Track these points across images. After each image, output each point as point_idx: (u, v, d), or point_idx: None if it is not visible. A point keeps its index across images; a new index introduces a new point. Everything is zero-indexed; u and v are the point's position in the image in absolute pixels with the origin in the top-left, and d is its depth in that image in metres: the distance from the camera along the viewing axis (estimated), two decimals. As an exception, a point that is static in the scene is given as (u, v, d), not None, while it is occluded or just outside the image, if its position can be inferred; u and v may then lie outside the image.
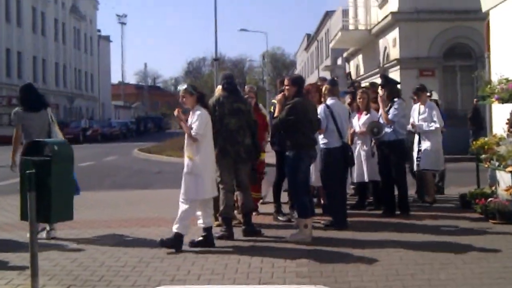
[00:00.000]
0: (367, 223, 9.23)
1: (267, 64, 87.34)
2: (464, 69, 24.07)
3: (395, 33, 24.59)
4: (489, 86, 10.25)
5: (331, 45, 36.27)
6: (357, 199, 10.98)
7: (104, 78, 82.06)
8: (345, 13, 33.61)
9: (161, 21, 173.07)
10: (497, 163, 9.32)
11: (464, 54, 24.38)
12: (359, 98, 10.64)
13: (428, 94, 11.74)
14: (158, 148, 29.67)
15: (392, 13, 24.20)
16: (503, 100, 9.70)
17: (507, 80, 9.85)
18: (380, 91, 10.40)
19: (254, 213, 9.30)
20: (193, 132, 7.63)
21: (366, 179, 10.43)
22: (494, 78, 10.46)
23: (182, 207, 7.64)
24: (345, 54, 37.42)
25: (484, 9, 12.50)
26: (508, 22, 11.32)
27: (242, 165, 8.52)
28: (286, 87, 8.43)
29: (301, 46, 74.72)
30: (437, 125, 10.83)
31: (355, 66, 34.52)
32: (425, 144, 10.83)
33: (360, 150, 10.46)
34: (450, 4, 23.02)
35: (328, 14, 44.49)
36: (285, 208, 9.88)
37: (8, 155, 8.94)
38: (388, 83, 10.48)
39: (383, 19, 25.60)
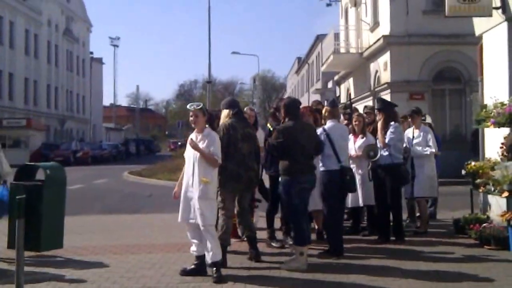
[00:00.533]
0: (362, 249, 9.01)
1: (257, 87, 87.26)
2: (453, 92, 24.15)
3: (386, 57, 24.54)
4: (484, 110, 10.12)
5: (322, 68, 36.23)
6: (351, 224, 10.74)
7: (95, 100, 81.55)
8: (336, 36, 33.58)
9: (153, 44, 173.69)
10: (492, 188, 9.13)
11: (453, 78, 24.38)
12: (355, 121, 10.50)
13: (422, 117, 11.51)
14: (148, 171, 29.37)
15: (384, 36, 24.15)
16: (499, 124, 9.56)
17: (503, 104, 9.72)
18: (378, 114, 10.14)
19: (236, 240, 9.26)
20: (215, 157, 7.34)
21: (361, 203, 10.22)
22: (489, 102, 10.36)
23: (210, 235, 7.35)
24: (336, 77, 37.33)
25: (477, 33, 12.45)
26: (501, 46, 11.24)
27: (248, 191, 8.40)
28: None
29: (292, 69, 74.80)
30: (433, 150, 10.59)
31: (346, 89, 34.46)
32: (419, 170, 10.53)
33: (355, 174, 10.05)
34: (440, 28, 22.93)
35: (319, 38, 44.59)
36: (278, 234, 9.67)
37: None
38: (386, 106, 10.21)
39: (374, 43, 25.58)
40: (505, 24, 11.10)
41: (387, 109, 10.06)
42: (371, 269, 7.63)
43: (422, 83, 23.91)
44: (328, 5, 32.83)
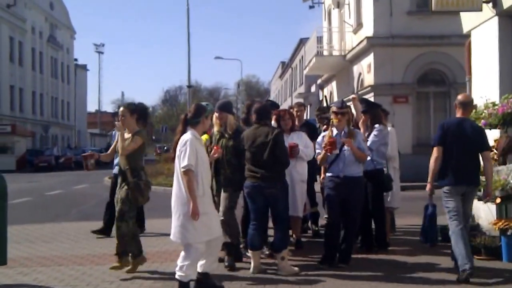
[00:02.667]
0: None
1: (242, 92, 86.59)
2: (438, 95, 23.36)
3: (370, 59, 23.75)
4: (474, 111, 9.30)
5: (305, 72, 35.43)
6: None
7: (80, 106, 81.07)
8: (319, 39, 32.82)
9: (137, 50, 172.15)
10: (483, 195, 8.16)
11: (437, 81, 23.62)
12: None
13: None
14: (129, 176, 28.05)
15: (367, 38, 23.37)
16: (491, 126, 8.77)
17: (494, 104, 8.95)
18: (363, 116, 9.10)
19: None
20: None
21: None
22: (479, 102, 9.56)
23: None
24: (319, 81, 36.61)
25: (465, 30, 11.70)
26: (491, 43, 10.49)
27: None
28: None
29: (275, 74, 74.10)
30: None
31: (329, 92, 33.64)
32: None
33: None
34: (425, 29, 22.32)
35: (302, 42, 43.78)
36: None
37: None
38: (370, 107, 9.28)
39: (358, 44, 24.77)
40: (496, 19, 10.37)
41: (371, 111, 9.14)
42: (357, 280, 7.03)
43: (406, 86, 23.17)
44: (311, 7, 32.13)
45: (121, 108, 7.70)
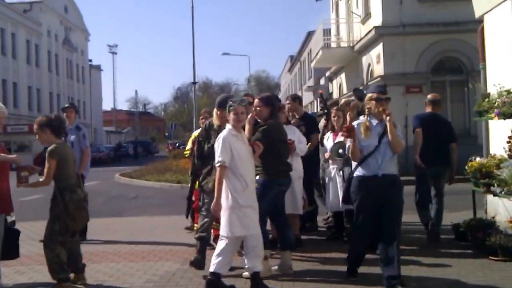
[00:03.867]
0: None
1: (252, 87, 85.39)
2: (455, 84, 21.73)
3: (378, 49, 22.30)
4: (487, 99, 8.12)
5: (312, 65, 34.03)
6: (334, 230, 9.04)
7: (95, 105, 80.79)
8: (327, 32, 31.50)
9: (150, 50, 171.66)
10: (498, 189, 7.13)
11: (454, 69, 22.00)
12: (334, 117, 8.65)
13: None
14: (139, 173, 27.63)
15: (375, 27, 21.91)
16: (505, 116, 7.49)
17: (509, 92, 7.66)
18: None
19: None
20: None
21: (341, 207, 8.18)
22: (492, 90, 8.33)
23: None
24: (327, 73, 35.24)
25: (477, 15, 10.43)
26: (506, 27, 9.20)
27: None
28: (258, 108, 6.90)
29: (284, 68, 72.80)
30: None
31: (338, 85, 32.33)
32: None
33: (336, 176, 8.48)
34: (437, 16, 20.87)
35: (310, 35, 42.47)
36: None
37: None
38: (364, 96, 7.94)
39: (366, 35, 23.33)
40: (509, 2, 9.11)
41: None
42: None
43: (419, 75, 21.57)
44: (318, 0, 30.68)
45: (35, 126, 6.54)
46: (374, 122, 6.02)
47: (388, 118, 5.97)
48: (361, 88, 11.82)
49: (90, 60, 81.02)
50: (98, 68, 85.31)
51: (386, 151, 5.93)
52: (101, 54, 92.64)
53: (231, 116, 6.10)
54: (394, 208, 6.01)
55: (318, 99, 27.38)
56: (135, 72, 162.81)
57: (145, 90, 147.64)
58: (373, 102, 6.14)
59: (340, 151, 7.87)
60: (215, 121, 7.08)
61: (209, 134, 7.10)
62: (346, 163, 7.78)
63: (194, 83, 33.12)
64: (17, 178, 6.36)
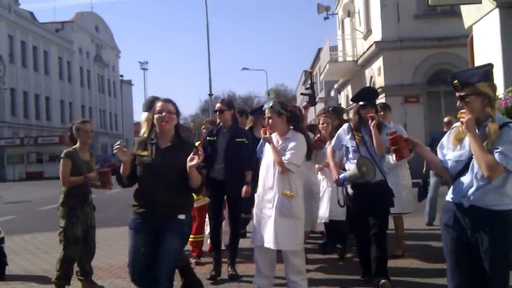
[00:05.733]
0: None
1: (272, 100, 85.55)
2: (448, 94, 21.65)
3: (379, 62, 22.35)
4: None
5: (321, 78, 34.17)
6: (325, 239, 8.09)
7: (127, 117, 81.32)
8: (334, 48, 31.55)
9: (178, 65, 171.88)
10: None
11: (447, 80, 21.85)
12: (322, 123, 7.52)
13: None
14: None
15: (376, 42, 21.98)
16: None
17: (497, 98, 7.50)
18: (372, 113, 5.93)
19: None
20: (285, 159, 5.28)
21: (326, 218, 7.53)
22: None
23: (296, 259, 5.39)
24: (335, 86, 35.31)
25: (466, 25, 10.31)
26: (494, 36, 9.09)
27: None
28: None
29: (300, 82, 72.83)
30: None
31: (345, 96, 32.30)
32: (394, 181, 6.99)
33: (326, 186, 7.57)
34: (432, 31, 20.91)
35: (320, 50, 42.56)
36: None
37: None
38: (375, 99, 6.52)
39: (367, 49, 23.40)
40: (497, 11, 8.99)
41: (381, 104, 7.40)
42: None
43: (416, 86, 21.71)
44: (326, 18, 30.61)
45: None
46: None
47: (372, 123, 5.72)
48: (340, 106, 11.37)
49: (121, 76, 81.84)
50: (129, 83, 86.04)
51: (478, 171, 3.49)
52: (132, 70, 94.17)
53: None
54: (494, 261, 3.51)
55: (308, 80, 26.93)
56: (165, 86, 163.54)
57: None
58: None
59: (364, 168, 5.77)
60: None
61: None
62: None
63: (210, 95, 33.40)
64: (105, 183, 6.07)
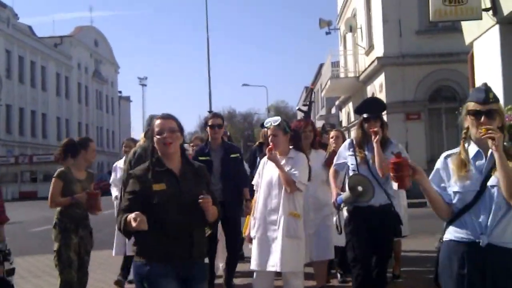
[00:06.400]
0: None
1: (272, 117, 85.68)
2: (449, 111, 21.79)
3: (381, 78, 22.51)
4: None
5: (322, 94, 34.31)
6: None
7: (125, 135, 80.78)
8: (336, 64, 31.71)
9: (177, 81, 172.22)
10: None
11: (448, 97, 22.11)
12: (332, 137, 7.38)
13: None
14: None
15: (377, 58, 22.18)
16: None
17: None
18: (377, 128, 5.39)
19: None
20: (295, 178, 5.23)
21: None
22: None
23: (296, 281, 5.32)
24: (337, 102, 35.43)
25: (467, 41, 10.44)
26: (494, 52, 9.19)
27: None
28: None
29: (301, 98, 72.96)
30: None
31: (347, 113, 32.37)
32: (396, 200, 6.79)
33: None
34: (434, 47, 21.06)
35: (322, 66, 42.72)
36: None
37: None
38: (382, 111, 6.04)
39: (369, 65, 23.55)
40: (497, 27, 9.10)
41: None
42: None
43: (418, 103, 21.84)
44: (327, 33, 30.74)
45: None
46: (472, 151, 3.27)
47: (376, 138, 5.19)
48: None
49: (120, 92, 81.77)
50: (127, 99, 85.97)
51: (496, 201, 3.10)
52: (131, 86, 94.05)
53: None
54: None
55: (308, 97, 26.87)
56: (163, 103, 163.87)
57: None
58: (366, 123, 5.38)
59: (360, 188, 5.26)
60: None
61: None
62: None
63: (210, 112, 33.49)
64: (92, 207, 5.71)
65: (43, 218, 19.09)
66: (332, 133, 7.53)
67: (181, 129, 3.74)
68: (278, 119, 5.48)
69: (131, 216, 3.31)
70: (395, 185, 3.25)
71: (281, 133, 5.38)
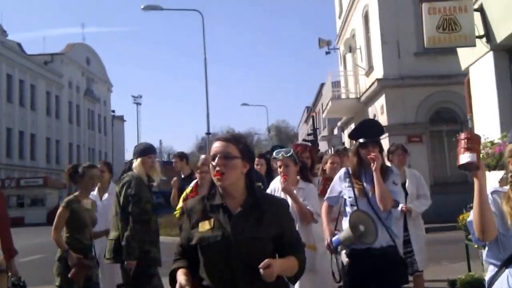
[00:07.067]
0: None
1: (273, 137, 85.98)
2: (451, 133, 22.08)
3: (382, 100, 22.94)
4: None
5: (323, 115, 34.72)
6: None
7: (118, 156, 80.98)
8: (337, 84, 32.15)
9: (173, 100, 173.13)
10: None
11: (449, 119, 22.53)
12: (331, 163, 7.18)
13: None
14: (154, 225, 26.83)
15: (377, 80, 22.63)
16: (489, 167, 7.65)
17: (492, 144, 7.91)
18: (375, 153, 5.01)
19: None
20: (311, 208, 5.30)
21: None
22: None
23: None
24: (339, 123, 35.81)
25: (463, 67, 10.83)
26: (489, 79, 9.56)
27: None
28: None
29: (302, 119, 73.45)
30: (430, 201, 7.34)
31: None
32: (415, 233, 7.09)
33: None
34: (433, 69, 21.46)
35: (323, 86, 43.21)
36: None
37: None
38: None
39: (370, 87, 24.03)
40: (491, 54, 9.48)
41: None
42: None
43: (419, 125, 22.23)
44: (327, 53, 31.27)
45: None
46: None
47: (375, 165, 4.76)
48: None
49: (113, 111, 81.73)
50: (121, 118, 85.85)
51: None
52: (124, 105, 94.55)
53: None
54: None
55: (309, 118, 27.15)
56: (159, 122, 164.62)
57: (170, 140, 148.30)
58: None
59: (362, 228, 4.76)
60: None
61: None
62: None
63: (208, 133, 33.78)
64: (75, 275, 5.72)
65: (33, 246, 19.21)
66: (331, 159, 7.23)
67: (244, 154, 3.11)
68: (290, 150, 5.65)
69: (179, 282, 2.91)
70: (465, 158, 3.06)
71: (293, 164, 5.57)
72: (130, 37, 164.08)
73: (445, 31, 9.80)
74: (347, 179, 5.03)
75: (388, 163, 6.86)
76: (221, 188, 3.05)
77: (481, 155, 4.10)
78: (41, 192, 43.88)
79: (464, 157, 3.02)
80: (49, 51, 62.74)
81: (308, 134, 10.30)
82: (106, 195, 7.75)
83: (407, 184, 7.29)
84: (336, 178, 5.27)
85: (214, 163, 3.02)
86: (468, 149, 3.06)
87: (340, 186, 5.11)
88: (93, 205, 6.25)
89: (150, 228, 6.13)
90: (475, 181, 3.11)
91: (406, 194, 7.03)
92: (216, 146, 3.09)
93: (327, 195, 5.30)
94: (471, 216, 3.20)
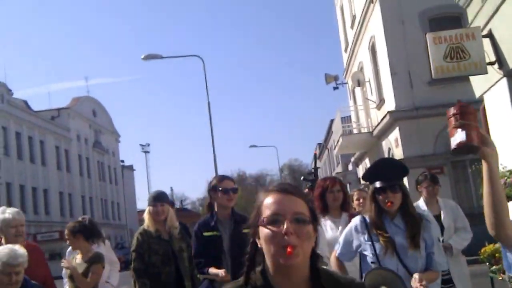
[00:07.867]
0: None
1: (286, 177, 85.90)
2: (476, 162, 21.82)
3: (396, 133, 22.70)
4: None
5: (335, 152, 34.57)
6: None
7: (130, 205, 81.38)
8: (347, 119, 32.11)
9: (182, 146, 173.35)
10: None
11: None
12: (357, 199, 7.04)
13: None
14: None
15: (389, 112, 22.41)
16: (508, 198, 7.60)
17: (511, 173, 7.87)
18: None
19: None
20: (323, 255, 4.50)
21: None
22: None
23: None
24: (352, 159, 35.68)
25: (477, 95, 10.84)
26: (504, 105, 9.55)
27: None
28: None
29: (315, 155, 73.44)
30: (471, 234, 6.82)
31: (364, 169, 32.56)
32: (458, 272, 6.54)
33: None
34: (448, 97, 21.06)
35: (333, 122, 43.27)
36: None
37: None
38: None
39: (382, 120, 23.84)
40: (505, 80, 9.48)
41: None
42: None
43: (439, 156, 21.68)
44: (335, 88, 31.27)
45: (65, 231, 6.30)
46: None
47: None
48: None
49: (122, 161, 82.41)
50: (130, 168, 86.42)
51: None
52: (133, 154, 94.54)
53: None
54: None
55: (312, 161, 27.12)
56: (169, 169, 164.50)
57: (181, 186, 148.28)
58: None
59: None
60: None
61: None
62: None
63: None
64: None
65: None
66: (357, 194, 7.03)
67: (314, 215, 2.17)
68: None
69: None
70: (459, 137, 2.68)
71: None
72: (133, 86, 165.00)
73: (453, 60, 9.85)
74: (365, 231, 4.24)
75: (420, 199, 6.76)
76: (283, 268, 2.04)
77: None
78: (58, 246, 44.52)
79: (456, 138, 2.58)
80: (54, 105, 63.91)
81: (309, 173, 9.85)
82: None
83: (442, 216, 6.73)
84: (350, 229, 4.44)
85: (281, 229, 2.00)
86: (459, 126, 2.70)
87: (358, 239, 4.32)
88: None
89: (160, 281, 6.01)
90: (483, 163, 2.71)
91: (442, 227, 6.55)
92: (279, 200, 2.07)
93: (338, 251, 4.49)
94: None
